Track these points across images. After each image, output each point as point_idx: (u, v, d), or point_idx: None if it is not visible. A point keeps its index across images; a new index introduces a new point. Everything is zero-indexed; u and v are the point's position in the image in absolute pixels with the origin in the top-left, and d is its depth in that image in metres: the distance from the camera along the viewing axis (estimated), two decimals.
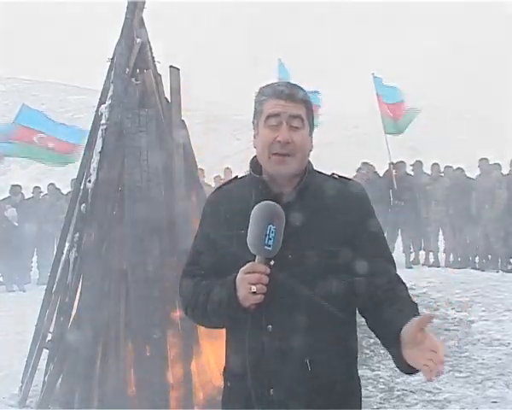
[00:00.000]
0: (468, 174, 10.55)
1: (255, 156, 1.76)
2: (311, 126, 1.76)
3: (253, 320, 1.63)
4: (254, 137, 1.76)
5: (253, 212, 1.59)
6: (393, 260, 1.74)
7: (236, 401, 1.70)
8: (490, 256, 10.03)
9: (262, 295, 1.57)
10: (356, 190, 1.75)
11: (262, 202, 1.60)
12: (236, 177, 1.87)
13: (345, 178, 1.80)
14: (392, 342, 1.54)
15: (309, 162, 1.76)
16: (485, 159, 10.25)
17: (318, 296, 1.63)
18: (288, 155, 1.67)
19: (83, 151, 4.73)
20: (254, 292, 1.56)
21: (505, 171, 10.11)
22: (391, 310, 1.58)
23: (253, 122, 1.77)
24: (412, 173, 10.98)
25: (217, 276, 1.71)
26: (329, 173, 1.81)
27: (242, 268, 1.59)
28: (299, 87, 1.76)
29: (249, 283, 1.57)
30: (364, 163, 11.38)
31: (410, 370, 1.52)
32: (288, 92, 1.69)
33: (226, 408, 1.76)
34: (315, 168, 1.80)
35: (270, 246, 1.56)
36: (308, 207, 1.68)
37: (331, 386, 1.65)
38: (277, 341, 1.62)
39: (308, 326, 1.62)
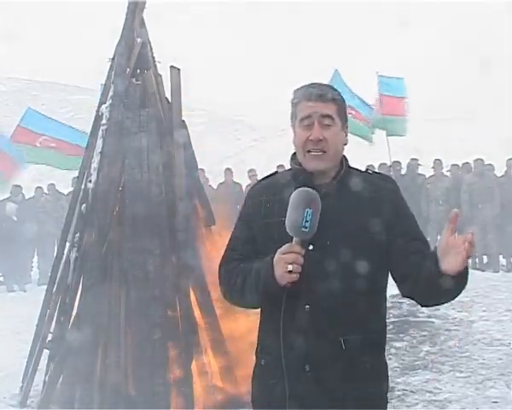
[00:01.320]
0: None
1: (295, 153, 1.92)
2: (344, 122, 1.89)
3: (288, 300, 1.75)
4: (294, 138, 1.91)
5: (291, 197, 1.71)
6: (427, 241, 1.86)
7: (270, 377, 1.81)
8: (490, 256, 10.02)
9: (297, 274, 1.69)
10: (388, 182, 1.91)
11: (300, 188, 1.73)
12: (276, 172, 2.01)
13: (378, 173, 2.00)
14: (432, 271, 1.64)
15: (345, 157, 1.91)
16: (481, 159, 10.22)
17: (354, 279, 1.74)
18: (322, 152, 1.82)
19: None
20: (290, 271, 1.67)
21: (502, 171, 10.12)
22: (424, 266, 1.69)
23: (291, 124, 1.91)
24: (406, 172, 10.99)
25: (255, 260, 1.82)
26: (364, 169, 1.98)
27: (280, 249, 1.71)
28: (330, 87, 1.92)
29: (286, 262, 1.68)
30: (396, 162, 11.30)
31: (456, 283, 1.63)
32: (318, 93, 1.83)
33: (258, 384, 1.88)
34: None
35: (306, 228, 1.68)
36: (345, 197, 1.82)
37: (362, 365, 1.77)
38: (314, 320, 1.75)
39: (343, 307, 1.74)
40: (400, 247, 1.77)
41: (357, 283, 1.74)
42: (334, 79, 10.66)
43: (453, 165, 10.71)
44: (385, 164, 11.41)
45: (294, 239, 1.70)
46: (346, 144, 1.91)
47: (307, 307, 1.75)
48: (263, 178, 2.01)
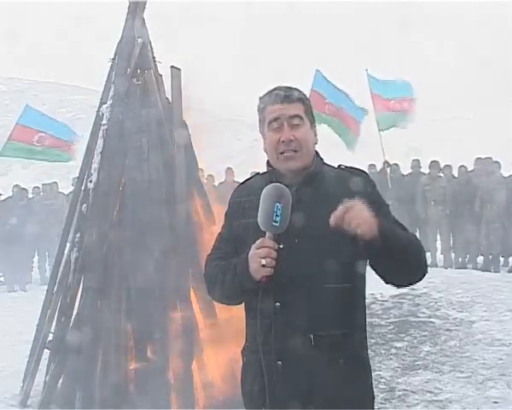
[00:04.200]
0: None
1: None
2: (312, 121, 1.90)
3: (263, 298, 1.79)
4: (264, 143, 1.93)
5: (262, 193, 1.75)
6: (400, 223, 1.85)
7: (251, 373, 1.87)
8: (491, 256, 10.01)
9: (271, 268, 1.72)
10: (359, 176, 1.88)
11: (270, 184, 1.76)
12: (258, 173, 2.02)
13: (351, 167, 1.93)
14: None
15: (317, 154, 1.91)
16: (489, 158, 10.15)
17: (322, 277, 1.76)
18: (294, 151, 1.83)
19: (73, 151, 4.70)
20: (264, 265, 1.71)
21: (506, 171, 10.08)
22: None
23: (260, 130, 1.93)
24: (411, 171, 10.95)
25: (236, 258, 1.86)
26: (336, 165, 1.94)
27: (254, 244, 1.75)
28: (294, 88, 1.91)
29: (259, 256, 1.72)
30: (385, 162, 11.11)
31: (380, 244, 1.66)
32: (284, 95, 1.85)
33: (243, 382, 1.93)
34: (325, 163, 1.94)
35: (277, 222, 1.71)
36: (314, 195, 1.83)
37: (335, 361, 1.77)
38: (284, 317, 1.77)
39: (312, 304, 1.76)
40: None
41: (326, 280, 1.75)
42: (316, 79, 10.42)
43: (446, 166, 10.67)
44: (373, 165, 11.32)
45: (267, 234, 1.73)
46: (316, 143, 1.92)
47: (277, 304, 1.78)
48: (244, 181, 2.06)
